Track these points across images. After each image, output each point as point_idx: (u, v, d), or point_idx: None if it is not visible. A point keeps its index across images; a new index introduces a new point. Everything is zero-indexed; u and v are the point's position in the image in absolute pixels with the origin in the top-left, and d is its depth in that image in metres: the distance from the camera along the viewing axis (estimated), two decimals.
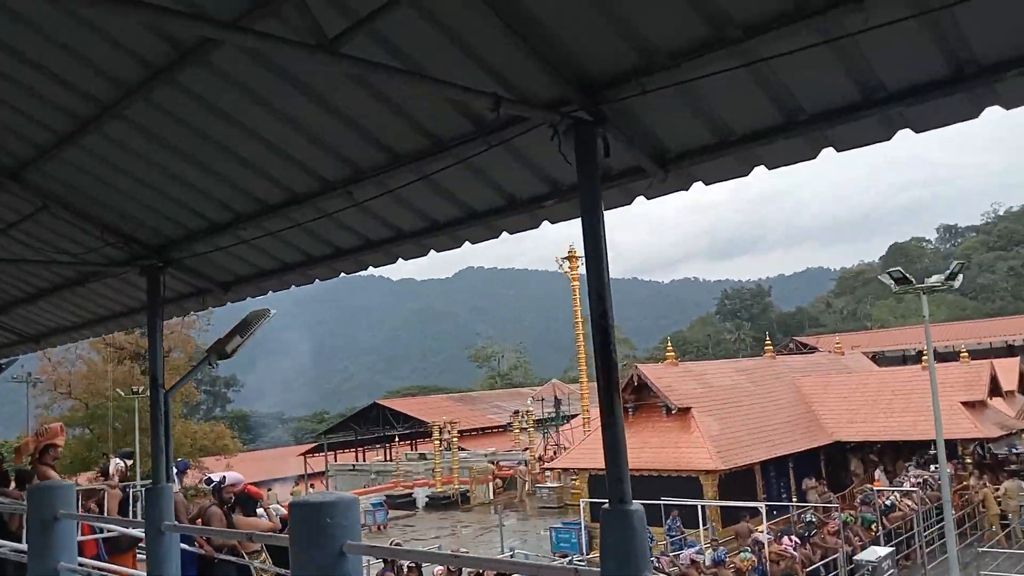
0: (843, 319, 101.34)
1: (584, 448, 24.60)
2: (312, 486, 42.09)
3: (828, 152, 3.21)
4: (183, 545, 8.24)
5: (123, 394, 38.63)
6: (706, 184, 3.58)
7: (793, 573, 16.27)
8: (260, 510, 9.59)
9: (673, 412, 22.83)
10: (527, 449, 37.82)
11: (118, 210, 5.20)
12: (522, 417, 39.22)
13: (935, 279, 12.81)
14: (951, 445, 25.62)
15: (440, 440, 34.98)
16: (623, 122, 3.28)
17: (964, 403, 23.76)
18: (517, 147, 3.61)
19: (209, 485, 9.17)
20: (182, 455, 35.85)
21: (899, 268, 12.40)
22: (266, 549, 9.29)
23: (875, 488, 20.63)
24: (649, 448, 22.79)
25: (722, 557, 15.47)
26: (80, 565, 5.95)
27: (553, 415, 42.75)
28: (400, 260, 4.81)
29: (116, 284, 6.34)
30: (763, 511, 20.67)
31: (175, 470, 9.00)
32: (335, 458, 53.28)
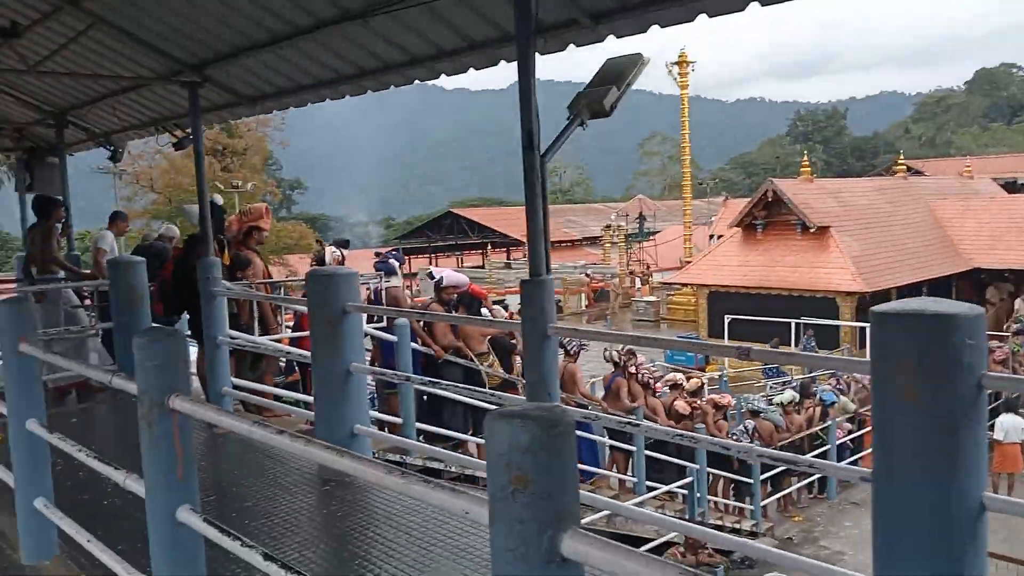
0: (921, 146, 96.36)
1: (704, 265, 23.43)
2: (408, 286, 42.23)
3: None
4: (412, 344, 7.27)
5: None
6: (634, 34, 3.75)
7: None
8: (484, 310, 8.59)
9: (811, 230, 21.28)
10: (619, 263, 36.95)
11: (158, 30, 5.52)
12: (614, 231, 38.04)
13: None
14: None
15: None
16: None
17: None
18: None
19: (432, 279, 8.12)
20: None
21: None
22: (494, 351, 8.38)
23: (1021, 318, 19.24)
24: (782, 266, 21.52)
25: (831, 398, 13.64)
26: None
27: (637, 231, 41.65)
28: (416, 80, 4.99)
29: (163, 92, 6.86)
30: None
31: (396, 263, 7.91)
32: (410, 264, 53.37)
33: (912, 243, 23.16)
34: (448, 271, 8.36)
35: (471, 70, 4.45)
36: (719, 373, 16.18)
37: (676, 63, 30.93)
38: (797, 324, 19.17)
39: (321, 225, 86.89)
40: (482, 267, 47.84)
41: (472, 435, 7.55)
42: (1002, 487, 12.50)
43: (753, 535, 9.97)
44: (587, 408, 9.14)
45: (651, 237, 42.65)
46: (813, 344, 19.78)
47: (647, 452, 9.23)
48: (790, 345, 19.67)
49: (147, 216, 42.68)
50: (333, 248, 7.75)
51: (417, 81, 5.03)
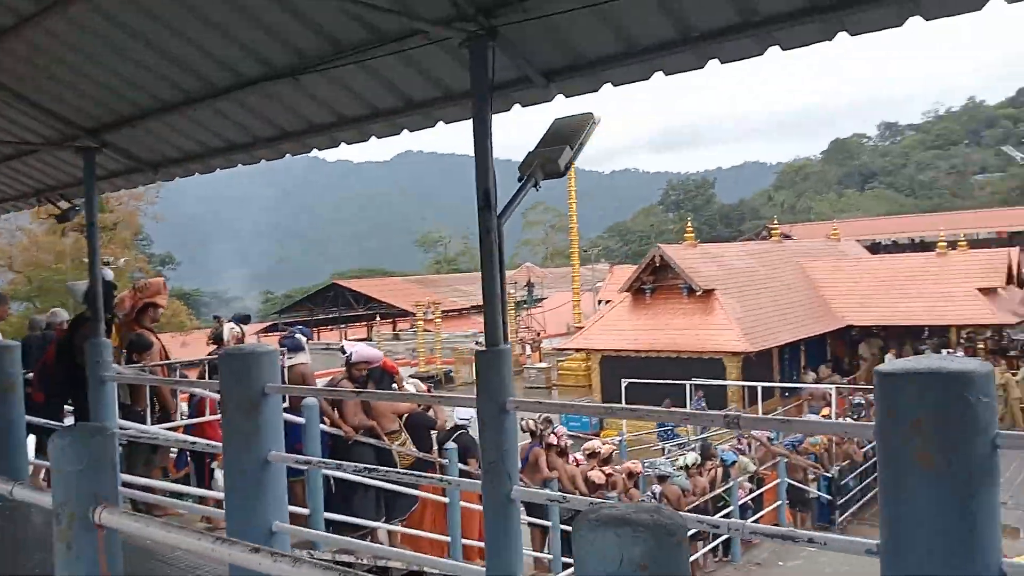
0: (783, 212, 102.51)
1: (596, 330, 23.72)
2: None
3: (773, 50, 3.10)
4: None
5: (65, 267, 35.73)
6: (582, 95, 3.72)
7: (851, 454, 15.90)
8: (394, 385, 8.23)
9: (698, 293, 21.97)
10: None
11: (51, 90, 5.18)
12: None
13: None
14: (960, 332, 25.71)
15: (422, 320, 33.69)
16: (514, 38, 3.39)
17: (980, 289, 23.59)
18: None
19: (343, 354, 7.73)
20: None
21: None
22: (406, 430, 8.01)
23: None
24: (671, 329, 22.04)
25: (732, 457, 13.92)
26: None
27: (525, 298, 42.03)
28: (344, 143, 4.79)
29: (54, 161, 6.34)
30: (776, 393, 20.43)
31: (303, 337, 7.48)
32: None
33: (789, 303, 24.28)
34: (360, 346, 7.99)
35: (404, 131, 4.24)
36: (618, 438, 16.20)
37: None
38: (691, 385, 19.56)
39: (194, 301, 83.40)
40: (369, 339, 46.93)
41: (385, 522, 7.13)
42: None
43: None
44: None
45: (538, 304, 43.11)
46: (703, 404, 20.21)
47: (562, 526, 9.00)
48: (684, 406, 20.00)
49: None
50: (232, 324, 7.27)
51: (344, 144, 4.78)
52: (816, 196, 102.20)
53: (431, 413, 8.57)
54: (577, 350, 24.49)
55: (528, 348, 35.82)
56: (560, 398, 28.14)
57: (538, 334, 36.95)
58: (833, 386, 18.52)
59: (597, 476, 9.86)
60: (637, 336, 22.42)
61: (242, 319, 7.51)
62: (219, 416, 6.59)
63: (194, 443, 5.61)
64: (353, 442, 7.36)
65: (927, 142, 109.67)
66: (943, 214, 56.31)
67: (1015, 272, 24.99)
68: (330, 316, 50.52)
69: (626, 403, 19.42)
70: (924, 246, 41.88)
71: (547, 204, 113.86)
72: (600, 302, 31.99)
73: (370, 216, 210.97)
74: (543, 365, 32.06)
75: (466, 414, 8.97)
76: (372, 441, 7.48)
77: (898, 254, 33.43)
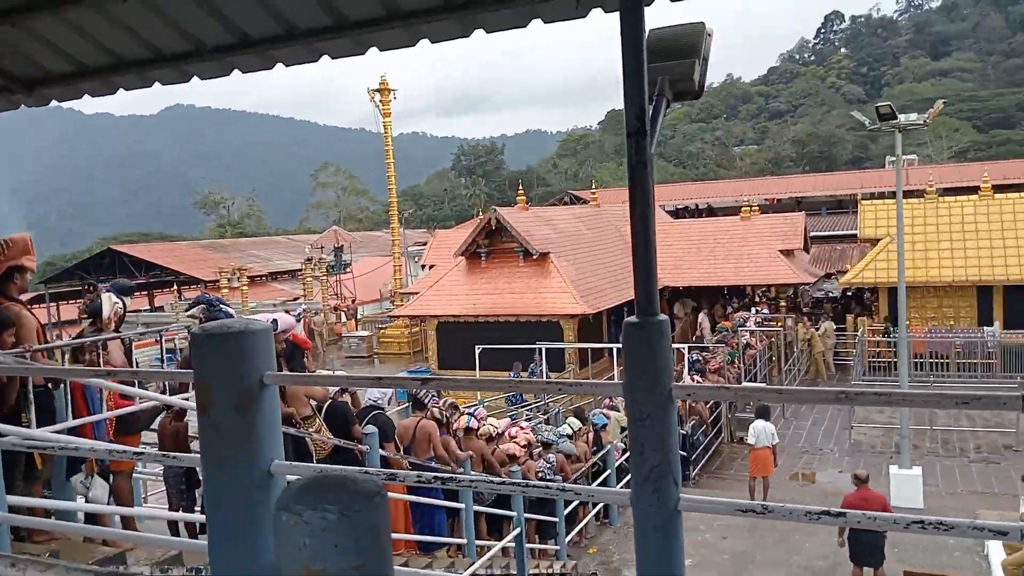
0: (567, 179, 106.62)
1: (431, 295, 23.02)
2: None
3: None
4: None
5: None
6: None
7: (700, 411, 16.53)
8: (305, 363, 7.13)
9: (534, 256, 21.90)
10: (321, 299, 35.23)
11: None
12: (315, 265, 36.28)
13: (914, 117, 12.74)
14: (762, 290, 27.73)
15: (227, 288, 31.10)
16: None
17: (781, 251, 25.50)
18: None
19: None
20: None
21: (887, 103, 12.03)
22: (319, 415, 6.99)
23: (724, 328, 21.58)
24: (509, 293, 21.85)
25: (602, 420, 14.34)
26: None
27: (333, 263, 40.30)
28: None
29: None
30: (615, 353, 20.97)
31: (294, 314, 6.20)
32: (58, 311, 46.07)
33: (615, 265, 24.92)
34: (281, 314, 6.83)
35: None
36: (475, 404, 15.72)
37: (378, 90, 30.42)
38: (539, 349, 19.48)
39: None
40: (153, 309, 43.05)
41: None
42: (758, 490, 13.57)
43: None
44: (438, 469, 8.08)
45: (347, 269, 41.53)
46: (544, 367, 20.25)
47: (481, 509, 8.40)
48: (526, 370, 19.95)
49: None
50: (111, 295, 5.84)
51: (327, 57, 3.71)
52: (597, 164, 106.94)
53: (346, 398, 7.61)
54: (412, 317, 23.68)
55: (343, 316, 34.40)
56: (383, 368, 27.20)
57: (353, 301, 35.59)
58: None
59: (514, 448, 9.32)
60: (475, 301, 22.02)
61: (124, 289, 6.10)
62: (103, 416, 5.32)
63: (122, 451, 4.35)
64: None
65: (691, 115, 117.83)
66: (715, 182, 60.92)
67: (806, 236, 27.30)
68: (135, 283, 45.36)
69: (480, 369, 19.02)
70: (710, 211, 45.07)
71: (338, 166, 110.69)
72: (424, 266, 31.20)
73: (137, 176, 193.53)
74: (363, 333, 30.91)
75: (376, 392, 8.06)
76: (288, 429, 6.44)
77: (699, 218, 35.49)
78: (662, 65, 3.24)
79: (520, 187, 30.75)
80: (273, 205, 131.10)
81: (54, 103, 4.33)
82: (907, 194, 34.13)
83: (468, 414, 8.95)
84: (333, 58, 3.45)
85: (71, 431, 4.92)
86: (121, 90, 4.00)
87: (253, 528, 2.70)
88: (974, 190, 25.78)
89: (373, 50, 3.34)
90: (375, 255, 51.19)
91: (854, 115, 15.28)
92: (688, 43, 3.31)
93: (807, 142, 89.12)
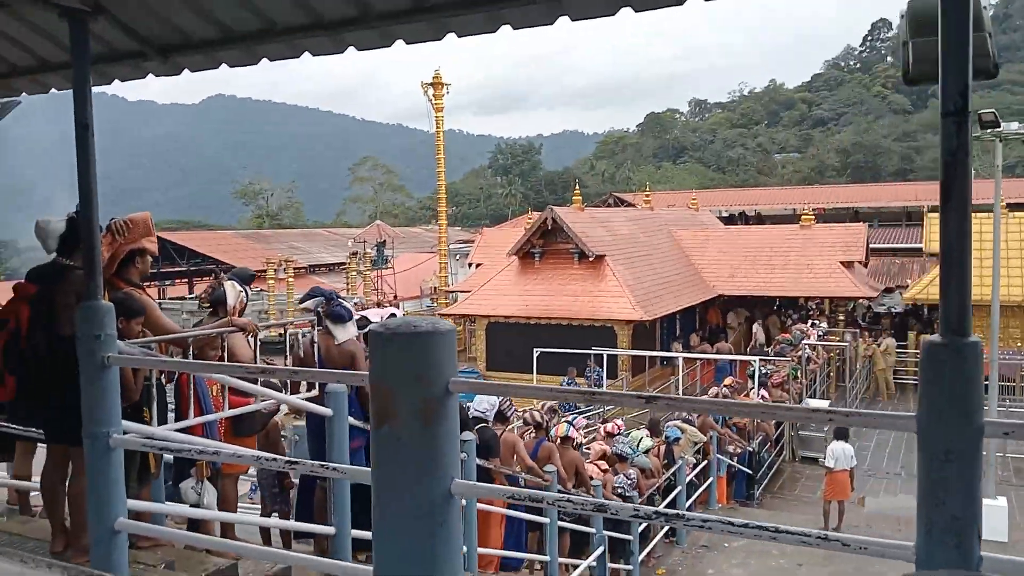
0: (604, 181, 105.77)
1: (482, 295, 22.59)
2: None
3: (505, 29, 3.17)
4: (351, 420, 5.26)
5: None
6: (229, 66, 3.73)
7: (766, 428, 15.91)
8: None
9: (590, 259, 21.36)
10: (359, 294, 34.95)
11: None
12: (359, 259, 36.06)
13: (1016, 126, 12.04)
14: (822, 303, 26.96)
15: (273, 279, 30.95)
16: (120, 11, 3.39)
17: (842, 263, 24.70)
18: None
19: (362, 328, 6.07)
20: None
21: (991, 110, 11.32)
22: None
23: (786, 340, 20.87)
24: (563, 295, 21.34)
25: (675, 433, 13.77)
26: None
27: (375, 258, 40.06)
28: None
29: (25, 31, 4.16)
30: (680, 363, 20.36)
31: (347, 306, 5.79)
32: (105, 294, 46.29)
33: (669, 272, 24.31)
34: (394, 309, 6.40)
35: None
36: (574, 412, 15.24)
37: (431, 84, 30.06)
38: (596, 354, 18.96)
39: None
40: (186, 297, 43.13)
41: None
42: (833, 515, 12.93)
43: None
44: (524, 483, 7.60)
45: (387, 265, 41.28)
46: (602, 373, 19.69)
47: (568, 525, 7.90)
48: (582, 375, 19.42)
49: None
50: (234, 282, 5.43)
51: (355, 50, 3.56)
52: (635, 167, 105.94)
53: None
54: (462, 316, 23.27)
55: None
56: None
57: (395, 297, 35.31)
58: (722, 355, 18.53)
59: (593, 471, 8.81)
60: (527, 301, 21.54)
61: (245, 277, 5.67)
62: (221, 415, 4.92)
63: (262, 457, 3.92)
64: None
65: (732, 120, 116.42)
66: (764, 189, 59.78)
67: (867, 248, 26.47)
68: (176, 270, 45.70)
69: (537, 373, 18.54)
70: (759, 219, 44.14)
71: (377, 160, 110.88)
72: (471, 265, 30.79)
73: (178, 164, 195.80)
74: None
75: (483, 405, 7.56)
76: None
77: (753, 225, 34.68)
78: (935, 40, 2.68)
79: (574, 186, 30.10)
80: (309, 197, 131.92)
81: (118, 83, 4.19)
82: (979, 209, 33.14)
83: (567, 422, 8.44)
84: (359, 50, 3.45)
85: (184, 431, 4.54)
86: (265, 60, 3.58)
87: (430, 553, 2.25)
88: None
89: (404, 44, 3.38)
90: (414, 251, 50.97)
91: None
92: (973, 16, 2.75)
93: (851, 151, 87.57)
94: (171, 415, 4.84)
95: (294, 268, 33.18)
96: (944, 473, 1.96)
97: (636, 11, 2.93)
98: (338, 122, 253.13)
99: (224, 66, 3.78)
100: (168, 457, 4.86)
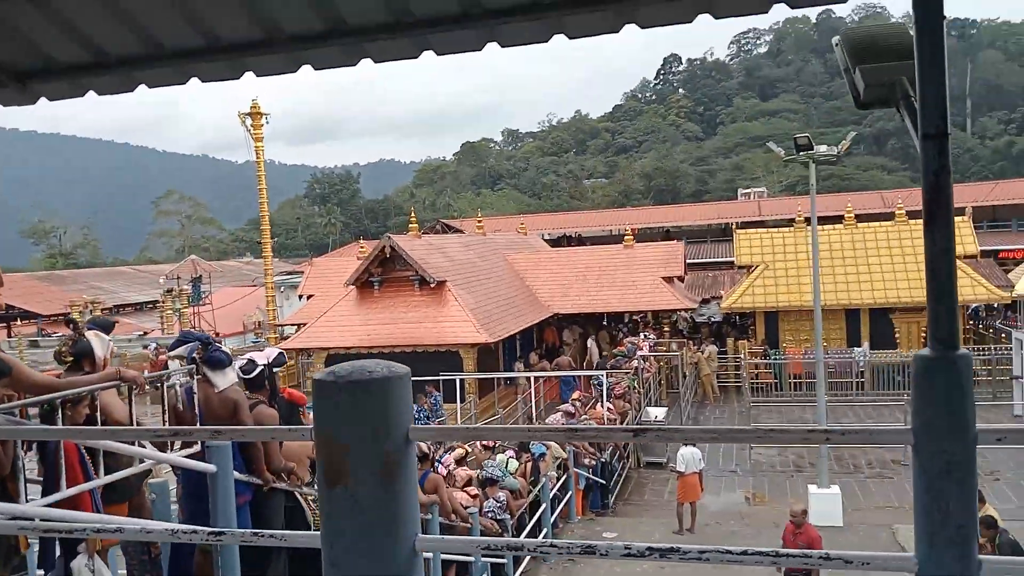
0: (425, 208, 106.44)
1: (320, 326, 21.93)
2: None
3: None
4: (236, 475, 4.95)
5: None
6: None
7: None
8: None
9: (431, 285, 21.35)
10: (175, 333, 32.85)
11: None
12: (175, 296, 33.88)
13: (824, 149, 13.34)
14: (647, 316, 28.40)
15: (80, 322, 28.31)
16: None
17: (664, 278, 26.22)
18: None
19: (248, 373, 5.72)
20: None
21: (805, 135, 12.54)
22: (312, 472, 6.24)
23: (620, 352, 21.83)
24: (405, 323, 21.15)
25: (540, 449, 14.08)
26: None
27: (190, 295, 37.88)
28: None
29: None
30: (529, 381, 20.79)
31: (225, 352, 5.39)
32: None
33: (506, 293, 24.76)
34: (257, 353, 6.03)
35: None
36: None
37: (249, 114, 28.97)
38: (434, 381, 18.92)
39: None
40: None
41: None
42: (686, 516, 13.59)
43: None
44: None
45: (205, 301, 39.11)
46: (439, 397, 19.64)
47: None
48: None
49: None
50: (95, 331, 4.94)
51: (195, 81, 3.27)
52: (455, 194, 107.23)
53: None
54: (300, 350, 22.42)
55: None
56: None
57: (216, 335, 33.39)
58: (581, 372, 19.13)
59: (463, 498, 8.76)
60: (369, 331, 21.15)
61: (106, 326, 5.18)
62: (98, 482, 4.40)
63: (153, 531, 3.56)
64: (269, 491, 5.55)
65: (544, 149, 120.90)
66: (579, 213, 62.39)
67: (685, 263, 28.28)
68: None
69: None
70: (580, 240, 46.02)
71: (182, 193, 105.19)
72: (301, 297, 29.76)
73: None
74: None
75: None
76: (282, 485, 5.69)
77: (584, 247, 36.02)
78: (886, 66, 2.88)
79: (393, 214, 29.88)
80: (108, 234, 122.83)
81: None
82: (773, 224, 36.05)
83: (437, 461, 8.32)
84: (259, 75, 3.19)
85: (63, 503, 4.03)
86: (143, 87, 3.27)
87: None
88: (823, 220, 27.49)
89: (312, 70, 3.18)
90: (232, 285, 48.65)
91: (770, 147, 15.88)
92: (907, 45, 2.95)
93: (653, 175, 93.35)
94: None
95: (101, 309, 30.67)
96: (946, 485, 1.99)
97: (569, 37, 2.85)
98: (137, 155, 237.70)
99: (92, 93, 3.35)
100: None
